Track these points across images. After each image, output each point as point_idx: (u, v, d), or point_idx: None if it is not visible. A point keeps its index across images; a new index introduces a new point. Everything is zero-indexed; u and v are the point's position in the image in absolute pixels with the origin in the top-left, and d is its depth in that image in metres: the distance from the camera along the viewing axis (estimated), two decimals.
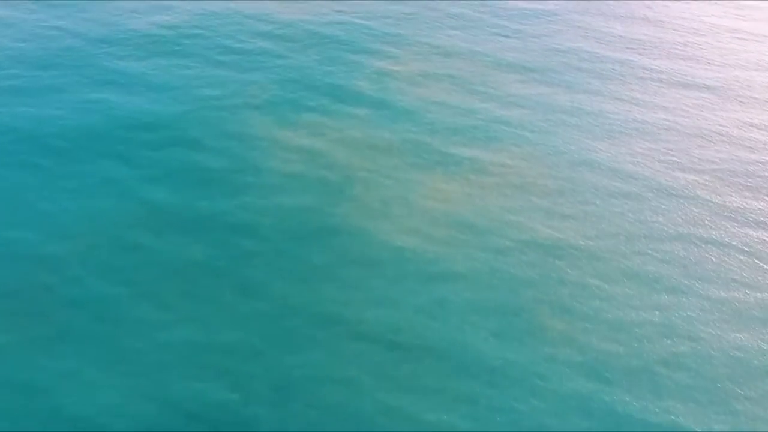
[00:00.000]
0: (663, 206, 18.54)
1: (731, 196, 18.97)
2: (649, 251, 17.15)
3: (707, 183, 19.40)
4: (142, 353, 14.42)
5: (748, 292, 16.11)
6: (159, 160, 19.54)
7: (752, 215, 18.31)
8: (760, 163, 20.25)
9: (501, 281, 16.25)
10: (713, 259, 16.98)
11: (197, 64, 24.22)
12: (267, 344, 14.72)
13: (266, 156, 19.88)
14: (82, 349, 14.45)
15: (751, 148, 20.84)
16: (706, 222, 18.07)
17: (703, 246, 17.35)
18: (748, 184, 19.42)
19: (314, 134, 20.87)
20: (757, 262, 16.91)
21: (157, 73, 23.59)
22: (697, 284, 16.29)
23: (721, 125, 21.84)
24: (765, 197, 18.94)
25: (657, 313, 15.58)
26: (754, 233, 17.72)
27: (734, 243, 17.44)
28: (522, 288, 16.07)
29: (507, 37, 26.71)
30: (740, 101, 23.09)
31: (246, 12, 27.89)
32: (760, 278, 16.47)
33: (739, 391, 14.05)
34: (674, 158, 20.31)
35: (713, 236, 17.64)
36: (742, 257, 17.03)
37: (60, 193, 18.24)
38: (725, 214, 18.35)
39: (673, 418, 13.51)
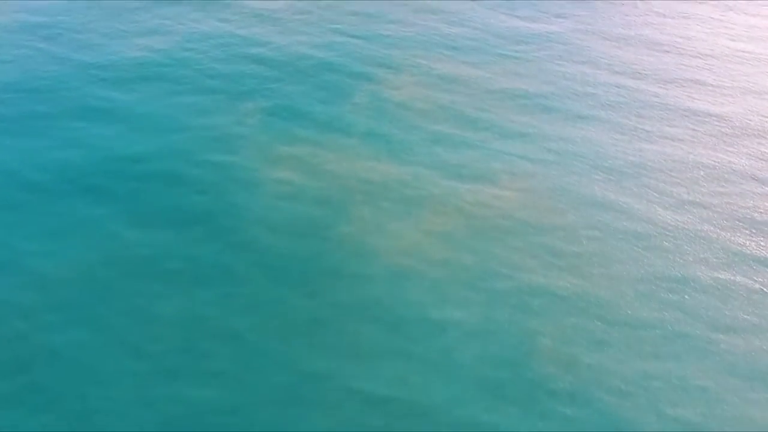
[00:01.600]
0: (669, 244, 17.59)
1: (741, 232, 17.99)
2: (657, 294, 16.20)
3: (716, 219, 18.44)
4: (118, 404, 13.55)
5: (760, 337, 15.14)
6: (141, 196, 18.68)
7: (764, 253, 17.34)
8: None
9: (499, 329, 15.31)
10: (725, 301, 16.02)
11: (185, 89, 23.36)
12: (249, 401, 13.81)
13: (253, 190, 19.00)
14: (56, 402, 13.59)
15: (761, 180, 19.86)
16: (715, 261, 17.10)
17: (713, 287, 16.38)
18: (759, 218, 18.44)
19: (304, 165, 19.99)
20: None
21: (143, 99, 22.75)
22: (708, 331, 15.32)
23: (730, 155, 20.89)
24: None
25: (671, 365, 14.63)
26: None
27: (746, 283, 16.46)
28: (520, 338, 15.13)
29: (507, 60, 25.82)
30: (752, 129, 22.13)
31: (237, 34, 27.03)
32: None
33: None
34: (682, 191, 19.36)
35: (723, 277, 16.67)
36: (756, 297, 16.07)
37: (36, 235, 17.39)
38: (735, 252, 17.38)
39: None
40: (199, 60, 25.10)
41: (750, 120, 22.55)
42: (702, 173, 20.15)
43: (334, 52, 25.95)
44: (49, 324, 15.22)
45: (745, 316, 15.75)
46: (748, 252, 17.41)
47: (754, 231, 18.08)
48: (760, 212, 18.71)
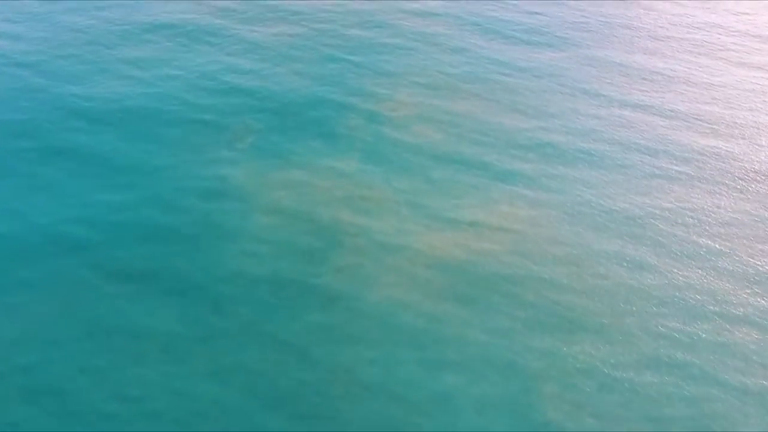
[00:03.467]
0: (683, 280, 16.75)
1: (759, 262, 17.15)
2: (671, 334, 15.36)
3: (731, 250, 17.60)
4: None
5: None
6: (122, 234, 17.83)
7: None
8: None
9: (502, 370, 14.47)
10: (743, 341, 15.18)
11: (172, 106, 22.48)
12: None
13: (243, 217, 18.15)
14: None
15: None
16: (732, 297, 16.27)
17: (731, 326, 15.55)
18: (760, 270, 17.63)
19: (297, 190, 19.14)
20: None
21: (124, 134, 21.89)
22: (731, 373, 14.48)
23: (742, 179, 20.04)
24: None
25: (686, 409, 13.80)
26: None
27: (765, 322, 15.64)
28: (524, 380, 14.29)
29: (511, 76, 24.96)
30: (765, 151, 21.29)
31: (228, 50, 26.14)
32: None
33: None
34: (693, 220, 18.52)
35: (740, 313, 15.84)
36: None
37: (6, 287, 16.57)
38: (752, 286, 16.54)
39: None
40: (189, 77, 24.22)
41: (759, 140, 21.71)
42: (713, 199, 19.31)
43: (330, 67, 25.07)
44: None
45: (755, 358, 14.96)
46: (756, 303, 16.59)
47: (756, 284, 17.28)
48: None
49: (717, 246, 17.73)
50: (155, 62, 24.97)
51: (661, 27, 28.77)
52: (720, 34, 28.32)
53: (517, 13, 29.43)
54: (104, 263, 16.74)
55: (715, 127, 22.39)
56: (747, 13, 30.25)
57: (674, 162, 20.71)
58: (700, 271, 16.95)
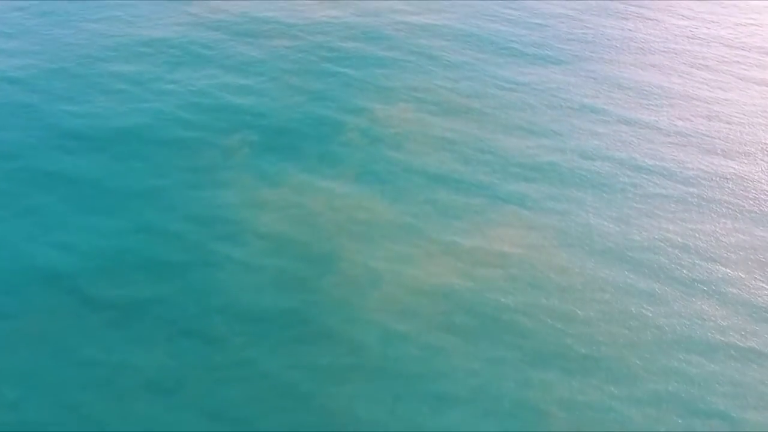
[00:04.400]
0: (688, 307, 16.14)
1: (756, 317, 16.52)
2: (678, 366, 14.75)
3: (739, 276, 17.00)
4: None
5: None
6: (109, 250, 17.23)
7: None
8: None
9: (504, 404, 13.87)
10: (754, 374, 14.58)
11: (164, 123, 21.89)
12: None
13: (234, 243, 17.55)
14: None
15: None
16: (740, 327, 15.66)
17: (740, 358, 14.94)
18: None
19: (291, 213, 18.55)
20: None
21: (119, 132, 21.32)
22: (741, 409, 13.87)
23: (750, 200, 19.45)
24: None
25: None
26: None
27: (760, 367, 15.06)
28: (528, 415, 13.69)
29: (510, 90, 24.38)
30: None
31: (223, 64, 25.55)
32: None
33: None
34: (698, 244, 17.92)
35: (750, 345, 15.24)
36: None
37: None
38: (763, 313, 15.94)
39: None
40: (181, 92, 23.63)
41: (765, 158, 21.18)
42: (721, 223, 18.71)
43: (326, 82, 24.49)
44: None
45: (762, 388, 14.39)
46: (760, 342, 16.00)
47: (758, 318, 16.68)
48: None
49: (725, 272, 17.14)
50: (148, 78, 24.41)
51: (663, 40, 28.21)
52: (724, 47, 27.74)
53: (517, 26, 28.87)
54: (89, 292, 16.14)
55: (719, 144, 21.81)
56: (752, 24, 29.67)
57: (678, 182, 20.12)
58: (707, 299, 16.36)
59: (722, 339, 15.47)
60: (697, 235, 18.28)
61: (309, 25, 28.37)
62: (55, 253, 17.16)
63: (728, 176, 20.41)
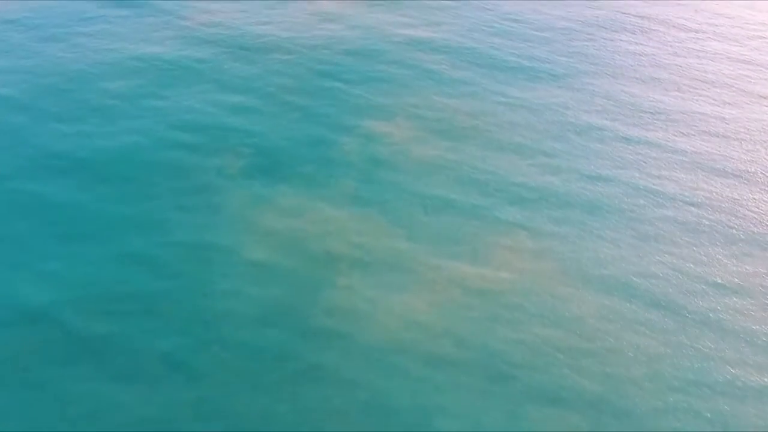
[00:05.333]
0: (699, 346, 15.41)
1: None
2: (685, 402, 14.03)
3: (747, 308, 16.27)
4: None
5: None
6: (93, 276, 16.55)
7: None
8: None
9: None
10: (764, 415, 13.86)
11: (154, 142, 21.23)
12: None
13: (223, 269, 16.87)
14: None
15: None
16: (751, 360, 14.93)
17: (755, 398, 14.23)
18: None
19: (280, 239, 17.87)
20: None
21: (105, 153, 20.66)
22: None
23: (759, 224, 18.73)
24: None
25: None
26: None
27: None
28: None
29: (511, 107, 23.67)
30: None
31: (215, 79, 24.88)
32: None
33: None
34: (707, 269, 17.20)
35: (761, 380, 14.52)
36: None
37: None
38: (759, 360, 15.23)
39: None
40: (170, 107, 22.96)
41: None
42: (729, 248, 17.98)
43: (323, 96, 23.80)
44: None
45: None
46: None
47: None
48: None
49: (734, 300, 16.42)
50: (139, 94, 23.75)
51: (667, 54, 27.51)
52: (732, 63, 27.04)
53: (517, 39, 28.19)
54: (72, 323, 15.45)
55: (727, 165, 21.09)
56: (760, 37, 28.97)
57: (684, 205, 19.41)
58: (715, 329, 15.63)
59: (732, 371, 14.77)
60: (704, 259, 17.57)
61: (304, 39, 27.72)
62: (35, 282, 16.48)
63: (736, 198, 19.69)
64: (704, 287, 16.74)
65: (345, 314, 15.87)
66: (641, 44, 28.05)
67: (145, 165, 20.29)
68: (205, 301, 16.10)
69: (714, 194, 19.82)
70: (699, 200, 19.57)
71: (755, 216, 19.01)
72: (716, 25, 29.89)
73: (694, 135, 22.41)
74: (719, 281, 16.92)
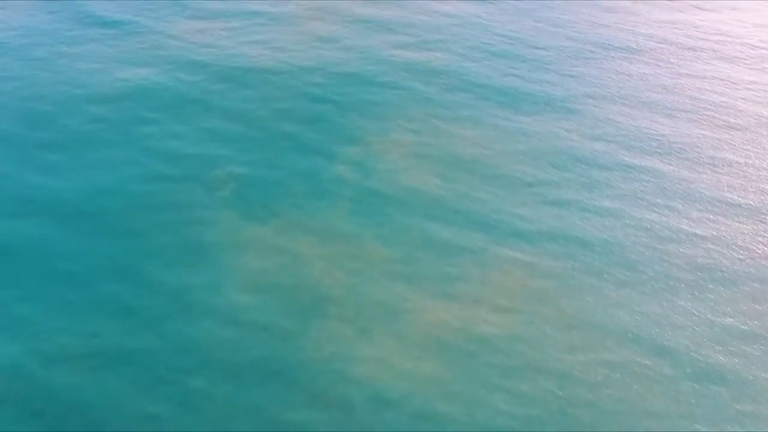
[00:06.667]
0: (707, 371, 14.48)
1: None
2: None
3: (763, 335, 15.32)
4: None
5: None
6: (82, 299, 15.65)
7: None
8: None
9: None
10: None
11: (143, 157, 20.34)
12: None
13: (215, 294, 15.97)
14: None
15: None
16: (761, 412, 14.02)
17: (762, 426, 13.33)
18: None
19: (274, 263, 16.97)
20: None
21: (93, 156, 19.76)
22: None
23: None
24: None
25: None
26: None
27: None
28: None
29: (511, 132, 22.71)
30: None
31: (203, 100, 23.97)
32: None
33: None
34: (717, 296, 16.26)
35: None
36: None
37: None
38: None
39: None
40: (161, 126, 22.09)
41: None
42: (741, 289, 17.04)
43: (313, 118, 22.88)
44: None
45: None
46: None
47: None
48: None
49: (744, 328, 15.49)
50: (127, 118, 22.87)
51: (673, 76, 26.65)
52: (741, 91, 26.17)
53: (515, 60, 27.32)
54: (59, 340, 14.52)
55: (729, 191, 20.18)
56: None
57: (692, 224, 18.51)
58: (727, 360, 14.70)
59: (743, 408, 13.89)
60: (713, 285, 16.66)
61: (296, 60, 26.86)
62: (17, 305, 15.64)
63: (745, 232, 18.80)
64: (707, 314, 15.82)
65: (338, 341, 15.03)
66: (645, 64, 27.17)
67: (128, 196, 19.39)
68: (194, 326, 15.30)
69: (722, 214, 18.91)
70: (710, 235, 18.61)
71: (765, 253, 18.10)
72: (719, 42, 29.05)
73: (702, 163, 21.49)
74: (730, 302, 16.00)
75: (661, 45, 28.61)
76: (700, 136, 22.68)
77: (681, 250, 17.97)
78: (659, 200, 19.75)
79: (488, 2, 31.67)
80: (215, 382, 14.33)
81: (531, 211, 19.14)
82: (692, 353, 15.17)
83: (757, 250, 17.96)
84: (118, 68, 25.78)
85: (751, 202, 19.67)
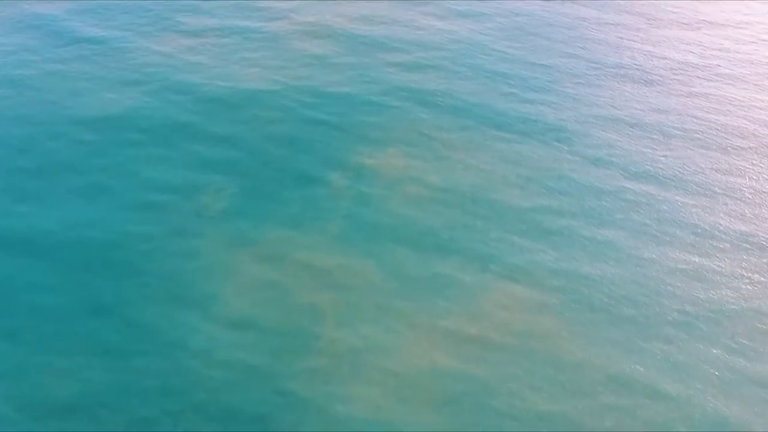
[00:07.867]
0: (715, 414, 13.68)
1: None
2: None
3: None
4: None
5: None
6: (61, 332, 14.83)
7: None
8: None
9: None
10: None
11: (127, 183, 19.56)
12: None
13: (199, 328, 15.17)
14: None
15: None
16: None
17: None
18: None
19: (264, 293, 16.18)
20: None
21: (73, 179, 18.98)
22: None
23: None
24: None
25: None
26: None
27: None
28: None
29: (511, 141, 21.92)
30: None
31: (192, 121, 23.19)
32: None
33: None
34: (727, 331, 15.46)
35: None
36: None
37: None
38: None
39: None
40: (149, 137, 21.31)
41: None
42: (749, 319, 16.25)
43: (303, 144, 22.10)
44: None
45: None
46: None
47: None
48: None
49: (757, 369, 14.68)
50: (111, 142, 22.10)
51: (676, 96, 25.91)
52: (748, 110, 25.43)
53: (520, 63, 26.55)
54: (36, 379, 13.69)
55: (742, 208, 19.40)
56: None
57: (699, 254, 17.72)
58: (741, 409, 13.89)
59: None
60: (723, 317, 15.86)
61: (290, 74, 26.10)
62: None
63: (757, 246, 18.00)
64: (719, 351, 15.01)
65: (327, 380, 14.25)
66: (646, 83, 26.43)
67: (111, 224, 18.61)
68: (175, 364, 14.48)
69: (732, 240, 18.12)
70: (716, 246, 17.85)
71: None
72: (725, 61, 28.32)
73: (703, 172, 20.72)
74: (741, 338, 15.19)
75: (664, 62, 27.85)
76: (706, 157, 21.89)
77: (689, 283, 17.17)
78: (664, 228, 18.95)
79: (486, 19, 30.93)
80: (198, 425, 13.55)
81: (529, 241, 18.31)
82: (699, 379, 14.36)
83: (749, 285, 17.18)
84: (104, 87, 25.00)
85: (761, 233, 18.89)
